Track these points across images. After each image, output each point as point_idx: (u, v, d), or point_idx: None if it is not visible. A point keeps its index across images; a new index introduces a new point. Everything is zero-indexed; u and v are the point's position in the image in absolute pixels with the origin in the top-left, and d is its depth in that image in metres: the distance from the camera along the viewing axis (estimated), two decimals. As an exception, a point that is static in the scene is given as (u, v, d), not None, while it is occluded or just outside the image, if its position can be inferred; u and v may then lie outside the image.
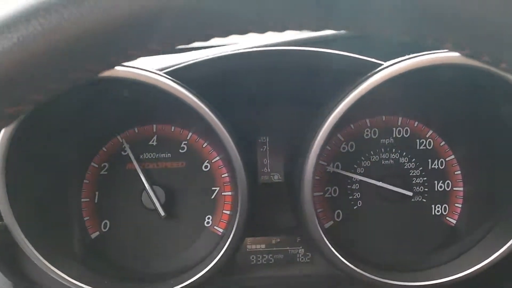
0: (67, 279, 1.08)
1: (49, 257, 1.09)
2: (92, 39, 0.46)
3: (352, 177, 1.32)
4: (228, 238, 1.16)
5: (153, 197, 1.24)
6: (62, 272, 1.09)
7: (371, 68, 1.04)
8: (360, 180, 1.32)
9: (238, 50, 1.12)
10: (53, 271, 1.08)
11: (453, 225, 1.33)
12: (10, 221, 1.03)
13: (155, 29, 0.47)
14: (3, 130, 0.98)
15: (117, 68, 0.98)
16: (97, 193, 1.29)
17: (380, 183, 1.29)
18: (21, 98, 0.49)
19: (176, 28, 0.47)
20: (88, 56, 0.48)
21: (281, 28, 0.50)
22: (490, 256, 1.12)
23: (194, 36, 0.49)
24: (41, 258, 1.07)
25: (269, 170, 1.36)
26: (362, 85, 1.02)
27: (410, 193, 1.27)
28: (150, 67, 1.03)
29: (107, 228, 1.29)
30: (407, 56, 1.02)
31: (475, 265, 1.13)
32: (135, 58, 0.51)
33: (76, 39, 0.45)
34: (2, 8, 0.47)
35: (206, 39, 0.50)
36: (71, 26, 0.45)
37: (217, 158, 1.31)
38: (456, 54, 0.99)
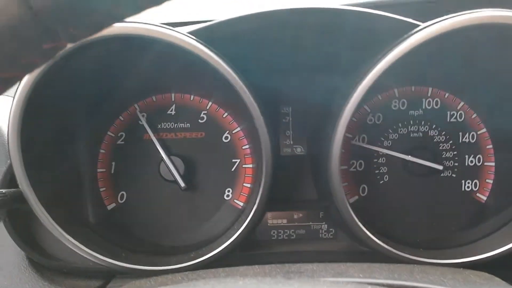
0: (83, 249, 1.04)
1: (64, 225, 1.05)
2: None
3: (379, 151, 1.27)
4: (249, 212, 1.11)
5: (172, 168, 1.19)
6: (77, 241, 1.05)
7: (408, 29, 0.97)
8: (387, 154, 1.26)
9: (263, 9, 1.05)
10: (69, 240, 1.04)
11: (483, 202, 1.27)
12: (26, 188, 0.99)
13: None
14: (17, 96, 0.94)
15: (138, 25, 0.93)
16: (113, 163, 1.24)
17: (408, 157, 1.23)
18: (59, 31, 0.46)
19: None
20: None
21: None
22: None
23: None
24: (56, 225, 1.03)
25: (291, 142, 1.30)
26: (399, 47, 0.96)
27: (440, 167, 1.21)
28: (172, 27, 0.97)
29: (123, 200, 1.25)
30: (445, 16, 0.96)
31: (505, 245, 1.08)
32: None
33: None
34: None
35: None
36: None
37: (238, 129, 1.26)
38: (498, 12, 0.92)
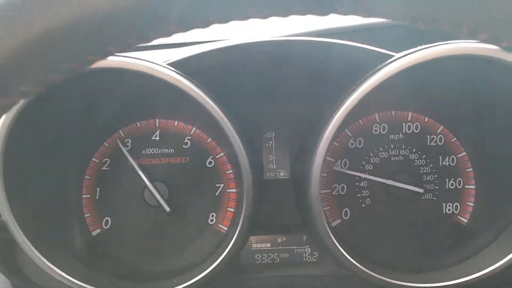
0: (66, 278, 1.05)
1: (48, 255, 1.06)
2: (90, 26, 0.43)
3: (361, 175, 1.28)
4: (233, 236, 1.12)
5: (156, 194, 1.20)
6: (62, 270, 1.06)
7: (382, 60, 1.00)
8: (369, 178, 1.28)
9: (244, 41, 1.08)
10: (52, 269, 1.05)
11: (464, 224, 1.29)
12: (9, 217, 1.00)
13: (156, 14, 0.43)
14: (0, 124, 0.95)
15: (119, 59, 0.95)
16: (98, 189, 1.26)
17: (389, 181, 1.25)
18: (10, 89, 0.45)
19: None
20: (83, 45, 0.44)
21: (284, 12, 0.46)
22: (503, 258, 1.08)
23: (197, 22, 0.46)
24: (40, 256, 1.04)
25: (274, 166, 1.32)
26: (373, 77, 0.98)
27: (421, 190, 1.23)
28: (154, 59, 1.00)
29: (108, 225, 1.26)
30: (419, 47, 0.98)
31: (487, 267, 1.09)
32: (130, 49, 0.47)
33: (72, 26, 0.42)
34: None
35: (207, 25, 0.46)
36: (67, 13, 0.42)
37: (222, 154, 1.28)
38: (470, 44, 0.95)
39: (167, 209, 1.20)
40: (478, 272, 1.09)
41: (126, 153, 1.22)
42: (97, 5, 0.42)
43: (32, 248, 1.03)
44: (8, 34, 0.42)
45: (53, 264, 1.05)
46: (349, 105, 1.01)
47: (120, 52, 0.49)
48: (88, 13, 0.42)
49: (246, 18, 0.46)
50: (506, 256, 1.07)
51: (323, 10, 0.46)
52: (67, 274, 1.05)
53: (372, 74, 0.99)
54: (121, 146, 1.24)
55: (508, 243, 1.12)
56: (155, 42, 0.53)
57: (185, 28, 0.46)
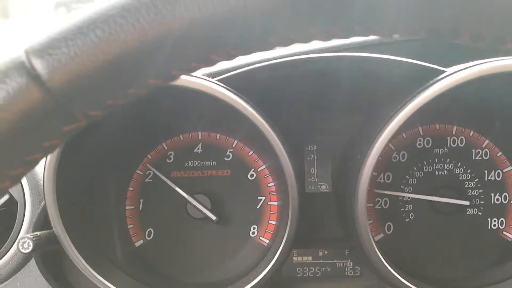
0: (108, 286, 1.06)
1: (95, 265, 1.08)
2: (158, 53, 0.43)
3: (404, 188, 1.27)
4: (276, 250, 1.13)
5: (198, 206, 1.21)
6: (106, 280, 1.08)
7: (432, 75, 0.99)
8: (412, 191, 1.26)
9: (289, 57, 1.08)
10: (98, 278, 1.07)
11: (510, 240, 1.26)
12: (60, 231, 1.02)
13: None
14: None
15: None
16: (141, 200, 1.27)
17: (433, 198, 1.23)
18: (79, 114, 0.46)
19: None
20: (151, 70, 0.45)
21: (305, 39, 0.46)
22: None
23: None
24: (86, 265, 1.06)
25: (316, 179, 1.31)
26: (425, 92, 0.97)
27: (467, 203, 1.21)
28: (201, 74, 1.01)
29: (151, 237, 1.27)
30: (470, 63, 0.97)
31: None
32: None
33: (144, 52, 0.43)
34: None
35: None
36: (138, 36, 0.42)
37: (263, 166, 1.28)
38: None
39: (213, 217, 1.21)
40: None
41: (157, 172, 1.25)
42: (166, 32, 0.43)
43: (82, 259, 1.05)
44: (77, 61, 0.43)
45: (100, 275, 1.07)
46: (400, 120, 1.01)
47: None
48: (156, 40, 0.43)
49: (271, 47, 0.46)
50: None
51: (344, 33, 0.45)
52: (111, 283, 1.07)
53: (425, 89, 0.98)
54: (151, 168, 1.26)
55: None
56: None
57: (245, 52, 0.47)
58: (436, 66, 1.03)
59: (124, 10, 0.42)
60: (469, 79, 0.94)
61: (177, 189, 1.22)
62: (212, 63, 0.47)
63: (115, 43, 0.43)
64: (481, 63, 0.95)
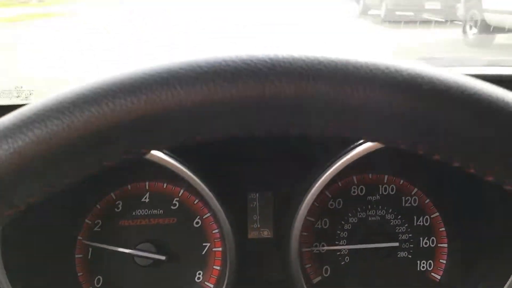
0: None
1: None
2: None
3: (340, 233, 1.36)
4: None
5: (144, 254, 1.27)
6: None
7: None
8: (348, 236, 1.35)
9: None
10: None
11: (437, 280, 1.36)
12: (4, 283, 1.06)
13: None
14: None
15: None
16: (90, 249, 1.32)
17: (366, 245, 1.32)
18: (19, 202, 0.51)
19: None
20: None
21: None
22: None
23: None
24: None
25: (258, 225, 1.39)
26: (356, 150, 1.08)
27: (396, 244, 1.31)
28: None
29: (100, 284, 1.32)
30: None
31: None
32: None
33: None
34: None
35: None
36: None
37: (208, 214, 1.35)
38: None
39: (162, 257, 1.27)
40: None
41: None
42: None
43: None
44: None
45: None
46: (332, 173, 1.11)
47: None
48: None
49: None
50: None
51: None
52: None
53: (356, 146, 1.08)
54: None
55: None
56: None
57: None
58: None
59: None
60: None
61: (117, 248, 1.28)
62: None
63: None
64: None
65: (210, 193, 1.15)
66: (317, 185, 1.17)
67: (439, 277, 1.36)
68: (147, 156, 1.08)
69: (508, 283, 1.13)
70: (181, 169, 1.13)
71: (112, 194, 1.33)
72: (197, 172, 1.14)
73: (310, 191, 1.18)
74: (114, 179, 1.33)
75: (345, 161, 1.15)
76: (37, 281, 1.19)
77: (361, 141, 1.13)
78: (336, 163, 1.15)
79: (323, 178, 1.16)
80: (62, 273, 1.29)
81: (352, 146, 1.15)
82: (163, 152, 1.11)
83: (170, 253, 1.32)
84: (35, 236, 1.21)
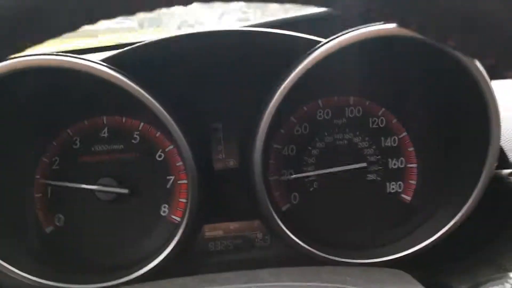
0: (20, 274, 1.08)
1: (2, 253, 1.08)
2: None
3: (307, 159, 1.33)
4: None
5: (105, 189, 1.23)
6: (15, 267, 1.08)
7: (313, 45, 1.04)
8: (316, 161, 1.32)
9: (174, 34, 1.11)
10: (5, 267, 1.07)
11: (408, 202, 1.34)
12: None
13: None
14: None
15: (54, 57, 0.97)
16: (49, 188, 1.28)
17: (334, 169, 1.29)
18: None
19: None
20: None
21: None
22: (439, 231, 1.13)
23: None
24: None
25: (224, 156, 1.35)
26: (301, 64, 1.02)
27: (364, 164, 1.28)
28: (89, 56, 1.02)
29: (61, 222, 1.28)
30: (345, 31, 1.02)
31: (422, 242, 1.15)
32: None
33: None
34: None
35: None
36: None
37: (171, 146, 1.30)
38: (393, 26, 1.00)
39: (125, 191, 1.24)
40: (416, 246, 1.15)
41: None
42: None
43: None
44: None
45: (6, 262, 1.08)
46: (282, 91, 1.06)
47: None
48: None
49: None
50: (442, 229, 1.13)
51: None
52: (21, 271, 1.08)
53: (301, 61, 1.03)
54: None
55: (444, 218, 1.17)
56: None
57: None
58: (317, 38, 1.08)
59: None
60: (338, 47, 1.00)
61: (79, 185, 1.24)
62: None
63: None
64: (351, 31, 1.01)
65: (173, 123, 1.09)
66: (270, 106, 1.09)
67: (409, 198, 1.34)
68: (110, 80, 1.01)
69: (467, 204, 1.11)
70: (145, 96, 1.06)
71: (68, 130, 1.28)
72: (159, 100, 1.08)
73: (264, 115, 1.11)
74: (68, 115, 1.28)
75: (293, 77, 1.06)
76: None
77: (306, 56, 1.06)
78: (285, 80, 1.07)
79: (274, 98, 1.08)
80: (21, 214, 1.25)
81: (296, 62, 1.07)
82: (126, 78, 1.04)
83: (133, 188, 1.28)
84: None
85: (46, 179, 1.27)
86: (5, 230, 1.17)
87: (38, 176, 1.27)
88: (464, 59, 1.00)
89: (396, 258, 1.16)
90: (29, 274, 1.09)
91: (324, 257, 1.15)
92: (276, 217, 1.16)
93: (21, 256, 1.16)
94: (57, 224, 1.28)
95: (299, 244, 1.16)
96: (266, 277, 0.90)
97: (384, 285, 0.89)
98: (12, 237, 1.18)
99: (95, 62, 1.00)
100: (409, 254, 1.16)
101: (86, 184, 1.25)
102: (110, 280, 1.12)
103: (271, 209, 1.16)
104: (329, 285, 0.85)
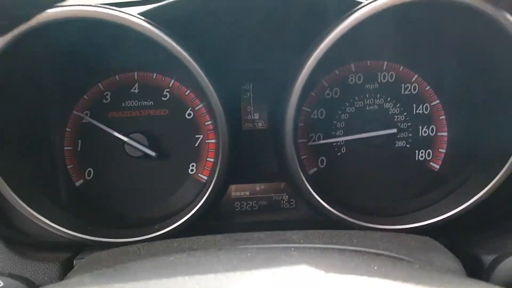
0: (49, 224, 1.10)
1: (32, 203, 1.10)
2: None
3: (336, 124, 1.32)
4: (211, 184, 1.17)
5: (136, 144, 1.24)
6: (45, 217, 1.10)
7: (352, 7, 1.01)
8: (345, 126, 1.31)
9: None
10: (35, 216, 1.09)
11: (436, 170, 1.33)
12: None
13: None
14: None
15: (86, 8, 0.96)
16: (79, 141, 1.29)
17: (363, 135, 1.28)
18: None
19: None
20: None
21: None
22: (467, 201, 1.12)
23: None
24: (24, 205, 1.09)
25: (252, 117, 1.35)
26: (340, 26, 1.00)
27: (394, 130, 1.27)
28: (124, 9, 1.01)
29: (91, 176, 1.29)
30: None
31: (450, 211, 1.14)
32: None
33: None
34: None
35: None
36: None
37: (200, 105, 1.30)
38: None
39: (152, 153, 1.24)
40: (442, 215, 1.14)
41: (91, 120, 1.26)
42: None
43: (17, 198, 1.07)
44: None
45: (37, 212, 1.10)
46: (319, 53, 1.04)
47: None
48: None
49: None
50: (470, 199, 1.12)
51: None
52: (51, 221, 1.10)
53: (341, 22, 1.00)
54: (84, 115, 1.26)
55: (474, 188, 1.15)
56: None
57: None
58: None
59: None
60: (384, 8, 0.97)
61: (111, 131, 1.24)
62: None
63: None
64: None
65: (206, 80, 1.08)
66: (305, 68, 1.07)
67: (438, 167, 1.33)
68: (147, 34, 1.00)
69: (500, 174, 1.09)
70: (181, 52, 1.04)
71: (100, 85, 1.28)
72: (194, 57, 1.06)
73: (298, 78, 1.09)
74: (101, 70, 1.27)
75: (331, 38, 1.03)
76: (27, 175, 1.16)
77: (346, 16, 1.03)
78: (323, 41, 1.04)
79: (311, 59, 1.06)
80: (51, 166, 1.27)
81: (336, 23, 1.04)
82: (163, 34, 1.03)
83: (161, 149, 1.29)
84: (23, 128, 1.17)
85: (76, 132, 1.28)
86: (36, 181, 1.18)
87: (69, 129, 1.28)
88: (506, 23, 0.97)
89: (422, 226, 1.15)
90: (56, 223, 1.11)
91: (351, 221, 1.15)
92: (304, 180, 1.16)
93: (52, 208, 1.18)
94: (87, 177, 1.29)
95: (325, 207, 1.17)
96: (298, 239, 0.91)
97: (414, 250, 0.90)
98: (44, 189, 1.20)
99: (132, 15, 0.99)
100: (435, 222, 1.15)
101: (116, 139, 1.25)
102: (137, 236, 1.14)
103: (300, 171, 1.16)
104: (362, 249, 0.86)
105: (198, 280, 0.62)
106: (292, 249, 0.82)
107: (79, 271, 0.88)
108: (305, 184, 1.16)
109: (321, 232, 0.95)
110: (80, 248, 1.21)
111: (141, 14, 1.02)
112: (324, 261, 0.73)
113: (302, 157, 1.32)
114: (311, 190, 1.16)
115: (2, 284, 0.93)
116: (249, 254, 0.76)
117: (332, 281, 0.60)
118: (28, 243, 1.20)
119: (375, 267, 0.68)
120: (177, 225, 1.16)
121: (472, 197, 1.12)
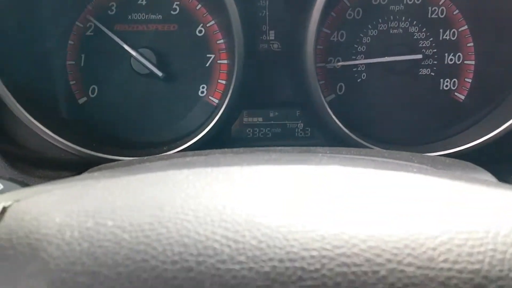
0: (51, 136, 1.03)
1: (37, 116, 1.04)
2: None
3: (357, 47, 1.24)
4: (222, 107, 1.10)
5: (143, 60, 1.15)
6: (48, 129, 1.03)
7: None
8: (366, 50, 1.23)
9: None
10: (38, 126, 1.04)
11: (461, 101, 1.26)
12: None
13: None
14: None
15: None
16: (82, 55, 1.20)
17: (386, 58, 1.20)
18: None
19: None
20: None
21: None
22: (493, 131, 1.07)
23: None
24: (29, 116, 1.03)
25: (268, 37, 1.26)
26: None
27: (420, 56, 1.19)
28: None
29: (95, 94, 1.21)
30: None
31: (477, 139, 1.09)
32: None
33: None
34: None
35: None
36: None
37: (212, 22, 1.21)
38: None
39: (160, 73, 1.16)
40: (464, 145, 1.09)
41: (101, 25, 1.16)
42: None
43: (19, 107, 1.00)
44: None
45: (39, 123, 1.03)
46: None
47: None
48: None
49: None
50: (494, 131, 1.06)
51: None
52: (53, 133, 1.03)
53: None
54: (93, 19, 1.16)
55: (500, 117, 1.09)
56: None
57: None
58: None
59: None
60: None
61: (120, 42, 1.16)
62: None
63: None
64: None
65: None
66: None
67: (463, 97, 1.26)
68: None
69: None
70: None
71: (105, -6, 1.19)
72: None
73: None
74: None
75: None
76: (30, 89, 1.08)
77: None
78: None
79: None
80: (54, 81, 1.18)
81: None
82: None
83: (170, 65, 1.20)
84: (23, 40, 1.09)
85: (80, 46, 1.19)
86: (40, 96, 1.11)
87: (71, 42, 1.19)
88: None
89: (445, 154, 1.10)
90: (60, 137, 1.05)
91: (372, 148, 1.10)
92: (325, 104, 1.09)
93: (55, 122, 1.11)
94: (91, 95, 1.21)
95: (346, 133, 1.11)
96: (324, 151, 0.84)
97: (452, 166, 0.83)
98: (47, 103, 1.13)
99: None
100: (460, 151, 1.10)
101: (122, 54, 1.17)
102: (144, 156, 1.07)
103: (322, 96, 1.09)
104: (396, 160, 0.79)
105: (225, 171, 0.54)
106: (320, 154, 0.76)
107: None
108: (326, 109, 1.09)
109: (347, 148, 0.88)
110: (83, 167, 1.14)
111: None
112: (357, 163, 0.66)
113: (320, 82, 1.24)
114: (333, 116, 1.09)
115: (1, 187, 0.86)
116: (273, 156, 0.70)
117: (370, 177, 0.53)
118: (28, 159, 1.12)
119: (414, 170, 0.62)
120: (186, 147, 1.09)
121: (496, 129, 1.07)
